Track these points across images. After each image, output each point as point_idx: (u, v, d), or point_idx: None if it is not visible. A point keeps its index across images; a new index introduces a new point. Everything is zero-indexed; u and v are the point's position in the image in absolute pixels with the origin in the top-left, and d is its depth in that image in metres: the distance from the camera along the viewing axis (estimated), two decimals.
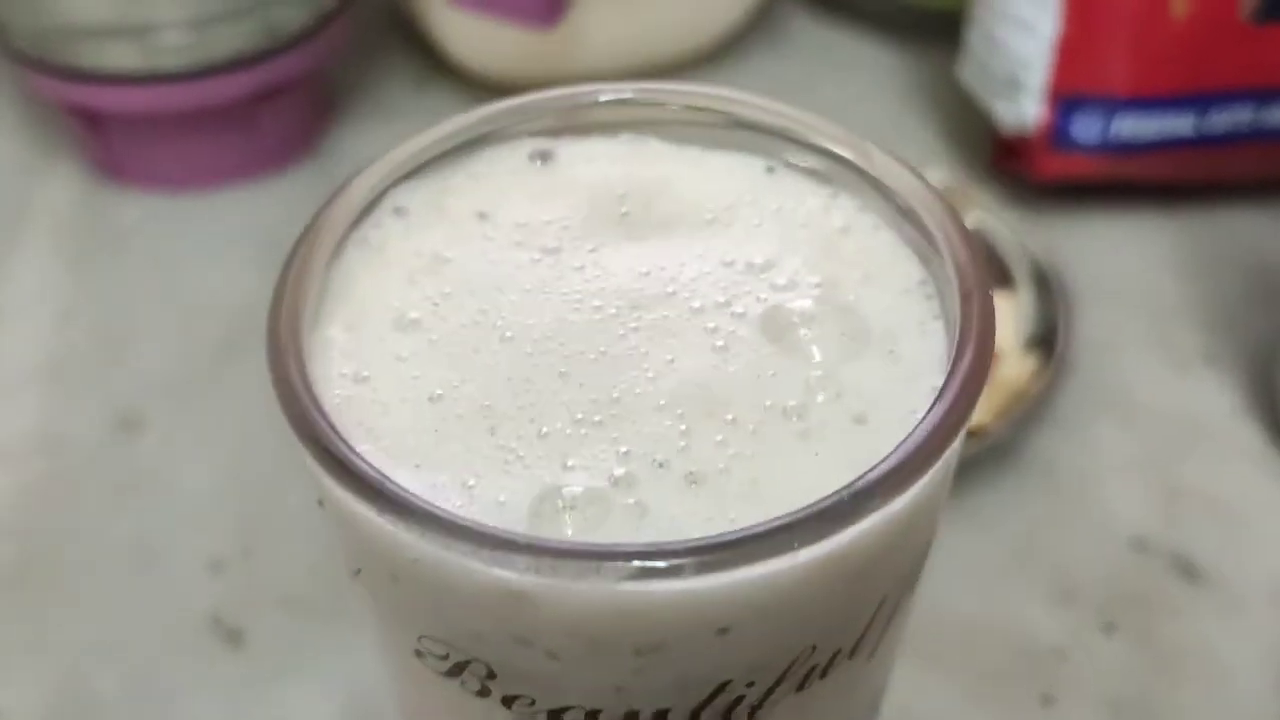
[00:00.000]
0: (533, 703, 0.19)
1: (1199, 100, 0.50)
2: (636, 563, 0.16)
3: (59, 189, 0.55)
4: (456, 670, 0.19)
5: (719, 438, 0.19)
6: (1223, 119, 0.51)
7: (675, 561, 0.16)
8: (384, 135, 0.29)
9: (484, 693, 0.19)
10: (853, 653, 0.19)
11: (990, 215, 0.49)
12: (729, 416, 0.19)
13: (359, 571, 0.20)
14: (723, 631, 0.17)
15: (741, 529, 0.16)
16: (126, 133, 0.52)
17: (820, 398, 0.19)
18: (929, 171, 0.49)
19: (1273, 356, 0.47)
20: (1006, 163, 0.53)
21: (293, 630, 0.40)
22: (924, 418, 0.18)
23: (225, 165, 0.53)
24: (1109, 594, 0.41)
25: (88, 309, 0.50)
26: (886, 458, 0.17)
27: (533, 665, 0.18)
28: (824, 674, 0.19)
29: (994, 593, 0.41)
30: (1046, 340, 0.46)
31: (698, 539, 0.16)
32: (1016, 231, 0.49)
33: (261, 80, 0.49)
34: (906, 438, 0.17)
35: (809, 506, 0.17)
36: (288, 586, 0.41)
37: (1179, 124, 0.51)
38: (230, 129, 0.52)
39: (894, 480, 0.17)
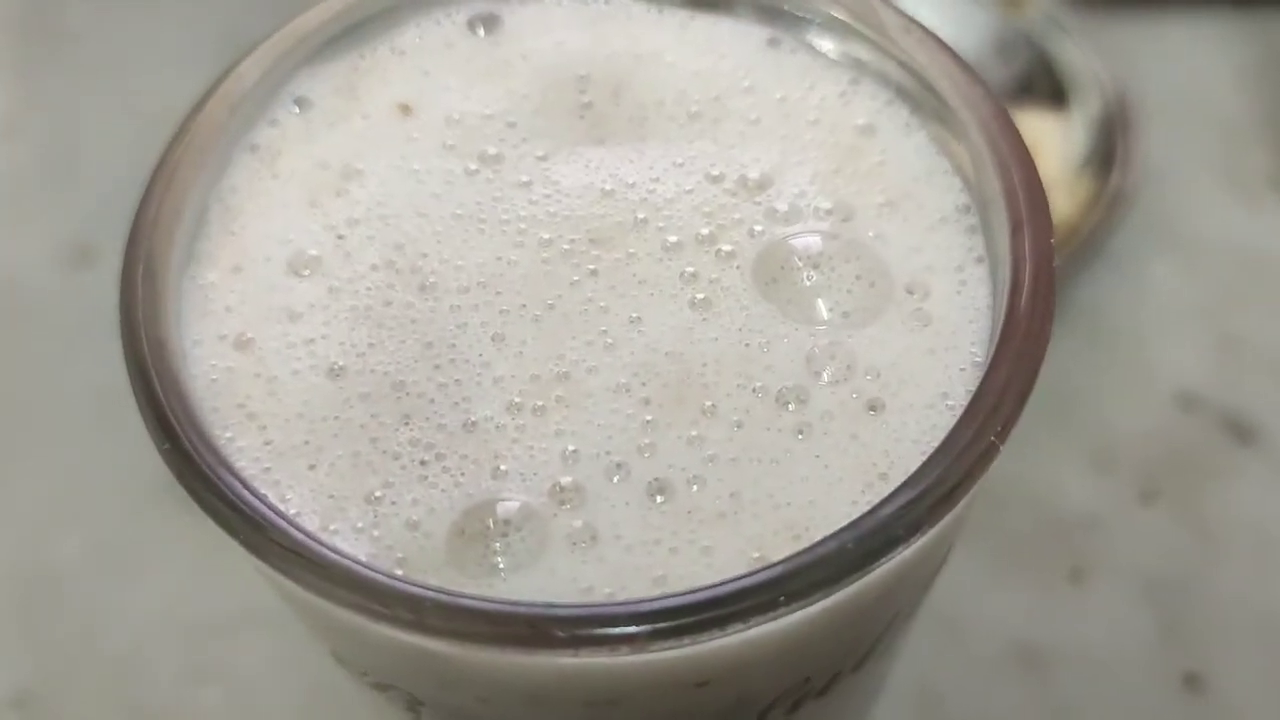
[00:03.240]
0: None
1: None
2: (579, 630, 0.12)
3: None
4: (381, 688, 0.16)
5: (693, 433, 0.15)
6: None
7: (627, 630, 0.12)
8: None
9: (413, 712, 0.16)
10: (856, 669, 0.16)
11: (1047, 17, 0.43)
12: (707, 403, 0.15)
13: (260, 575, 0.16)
14: (694, 685, 0.14)
15: (715, 587, 0.12)
16: None
17: (825, 377, 0.15)
18: None
19: None
20: None
21: None
22: (961, 419, 0.14)
23: None
24: (1150, 457, 0.38)
25: (35, 121, 0.46)
26: (907, 485, 0.13)
27: (462, 704, 0.15)
28: (821, 693, 0.16)
29: (1024, 454, 0.38)
30: (1102, 166, 0.41)
31: (654, 602, 0.12)
32: (1075, 38, 0.43)
33: None
34: (937, 453, 0.13)
35: (803, 553, 0.13)
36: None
37: None
38: None
39: (916, 516, 0.13)
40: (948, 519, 0.13)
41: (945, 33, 0.16)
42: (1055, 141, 0.40)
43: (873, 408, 0.15)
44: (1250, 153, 0.44)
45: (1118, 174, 0.40)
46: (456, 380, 0.15)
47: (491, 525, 0.14)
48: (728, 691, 0.14)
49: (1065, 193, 0.40)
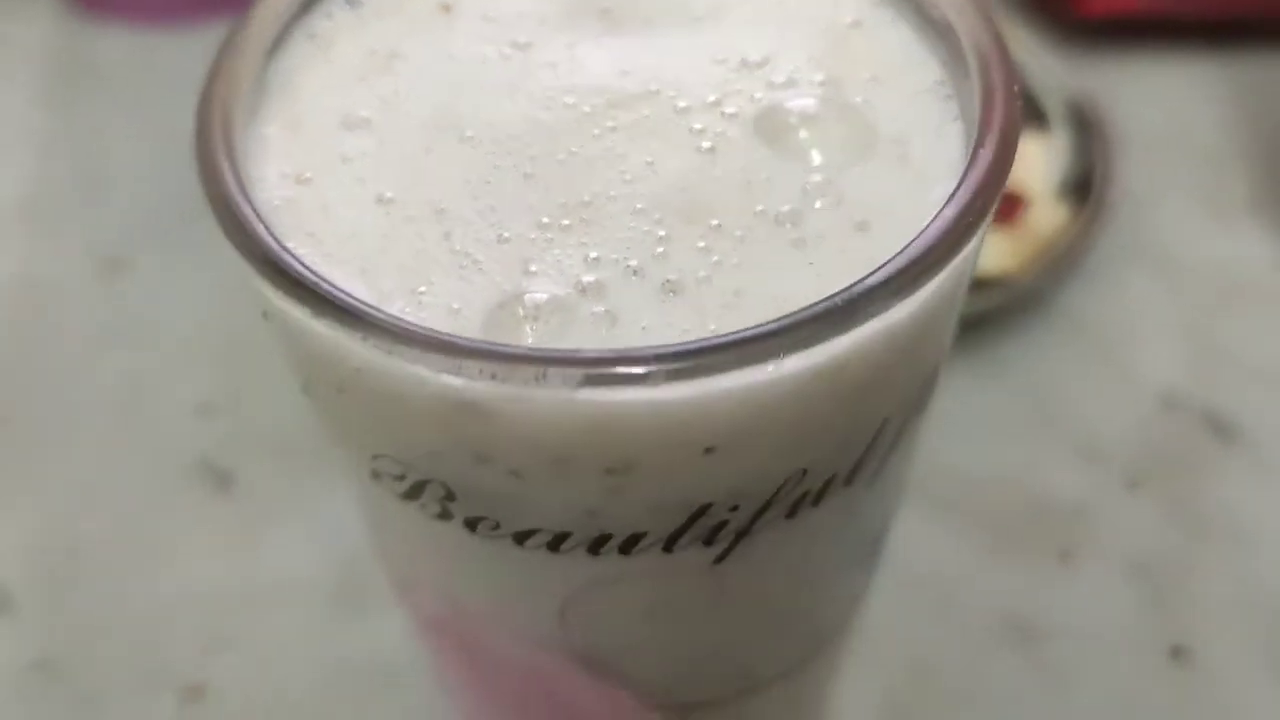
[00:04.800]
0: (497, 525, 0.17)
1: None
2: (598, 369, 0.14)
3: (35, 24, 0.53)
4: (414, 492, 0.17)
5: (701, 244, 0.16)
6: None
7: (642, 368, 0.14)
8: None
9: (445, 515, 0.17)
10: (849, 480, 0.17)
11: (1028, 54, 0.46)
12: (714, 222, 0.17)
13: (307, 386, 0.18)
14: (703, 451, 0.15)
15: (720, 335, 0.14)
16: None
17: (818, 204, 0.17)
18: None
19: None
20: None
21: (282, 474, 0.38)
22: (934, 218, 0.15)
23: None
24: (1135, 451, 0.40)
25: (67, 148, 0.48)
26: (889, 261, 0.15)
27: (494, 485, 0.16)
28: (817, 501, 0.17)
29: (1015, 447, 0.40)
30: (1081, 187, 0.43)
31: (668, 344, 0.14)
32: (1054, 72, 0.46)
33: None
34: (913, 240, 0.15)
35: (798, 312, 0.14)
36: (277, 430, 0.39)
37: None
38: None
39: (895, 285, 0.15)
40: (926, 291, 0.15)
41: None
42: (1038, 160, 0.43)
43: (861, 228, 0.17)
44: (1228, 180, 0.47)
45: (1097, 190, 0.42)
46: (491, 207, 0.17)
47: (522, 311, 0.16)
48: (731, 466, 0.16)
49: (1048, 208, 0.42)
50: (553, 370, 0.14)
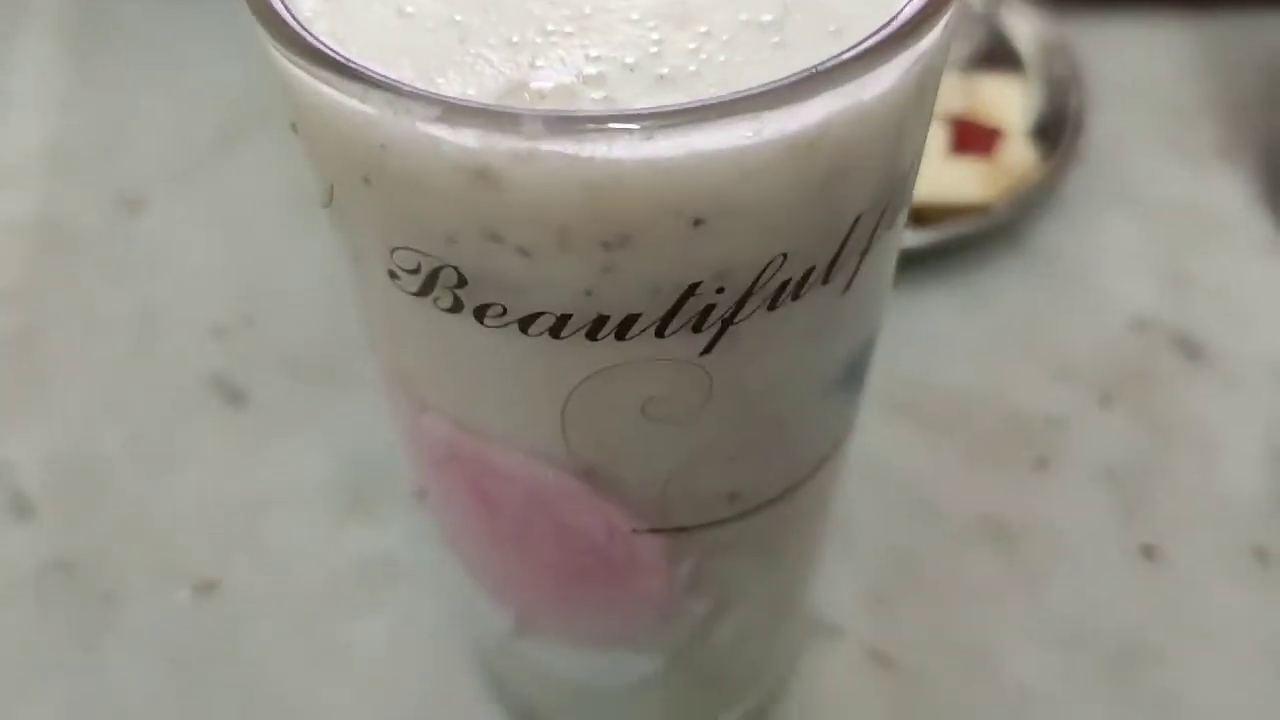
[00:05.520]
0: (504, 311, 0.19)
1: None
2: (596, 124, 0.16)
3: None
4: (428, 285, 0.19)
5: (691, 46, 0.18)
6: None
7: (637, 124, 0.16)
8: None
9: (456, 307, 0.19)
10: (826, 277, 0.19)
11: (1006, 4, 0.48)
12: (702, 29, 0.19)
13: (331, 196, 0.20)
14: (691, 224, 0.17)
15: (706, 98, 0.16)
16: None
17: (797, 16, 0.19)
18: None
19: None
20: None
21: (293, 391, 0.40)
22: (896, 15, 0.17)
23: None
24: (1108, 369, 0.41)
25: (89, 98, 0.50)
26: (859, 43, 0.17)
27: (503, 265, 0.18)
28: (796, 295, 0.19)
29: (993, 367, 0.41)
30: (1053, 130, 0.45)
31: (661, 105, 0.16)
32: (1031, 20, 0.48)
33: None
34: (880, 28, 0.17)
35: (775, 81, 0.16)
36: (289, 351, 0.41)
37: None
38: None
39: (864, 60, 0.17)
40: (893, 72, 0.17)
41: None
42: (1015, 100, 0.45)
43: (835, 35, 0.18)
44: (1196, 129, 0.49)
45: (1070, 130, 0.44)
46: (501, 19, 0.19)
47: (528, 96, 0.18)
48: (717, 244, 0.18)
49: (1021, 146, 0.44)
50: (555, 123, 0.16)
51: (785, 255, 0.18)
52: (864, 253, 0.20)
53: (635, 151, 0.16)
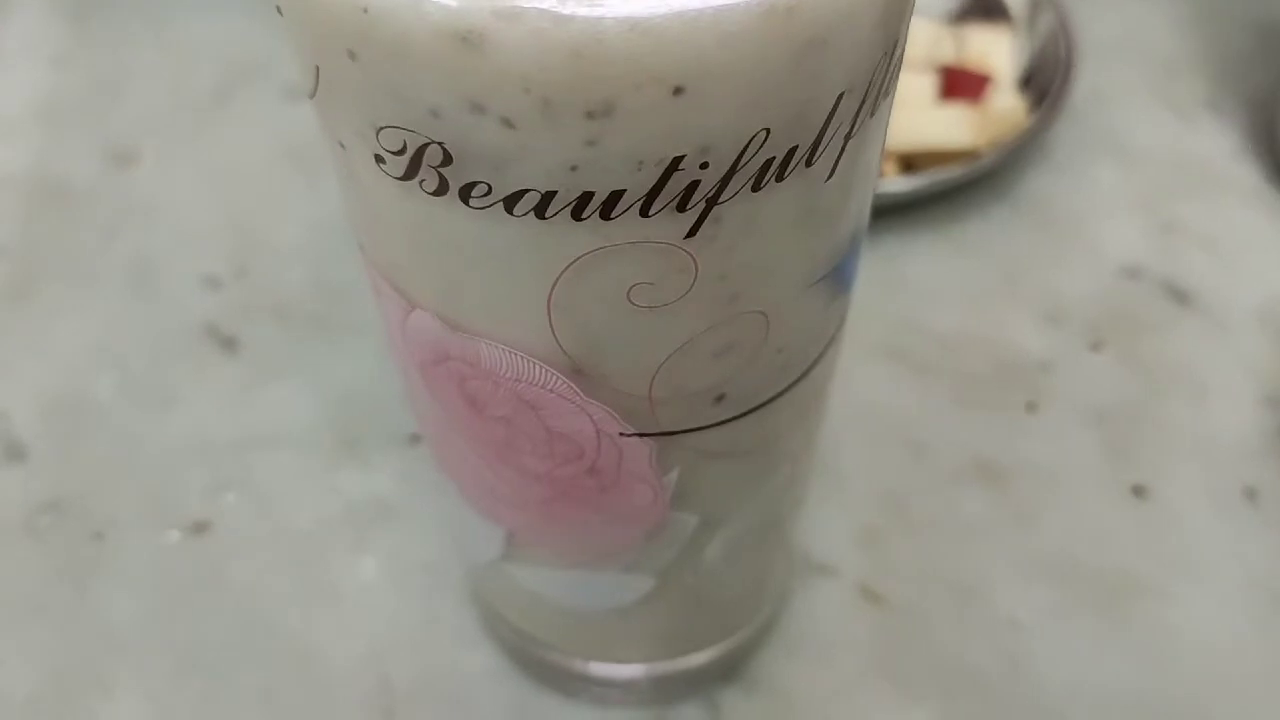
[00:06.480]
0: (489, 190, 0.19)
1: None
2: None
3: None
4: (414, 166, 0.19)
5: None
6: None
7: None
8: None
9: (441, 188, 0.19)
10: (809, 159, 0.19)
11: None
12: None
13: (316, 81, 0.20)
14: (672, 91, 0.17)
15: None
16: None
17: None
18: None
19: (1275, 101, 0.47)
20: None
21: (284, 338, 0.40)
22: None
23: None
24: (1098, 314, 0.42)
25: (84, 55, 0.50)
26: None
27: (487, 139, 0.18)
28: (780, 177, 0.19)
29: (983, 311, 0.42)
30: (1043, 82, 0.45)
31: None
32: None
33: None
34: None
35: None
36: (280, 300, 0.41)
37: None
38: None
39: None
40: None
41: None
42: (1004, 50, 0.45)
43: None
44: (1185, 83, 0.49)
45: (1058, 81, 0.45)
46: None
47: None
48: (698, 114, 0.18)
49: (1010, 95, 0.44)
50: None
51: (768, 131, 0.18)
52: (848, 136, 0.20)
53: (617, 9, 0.16)
